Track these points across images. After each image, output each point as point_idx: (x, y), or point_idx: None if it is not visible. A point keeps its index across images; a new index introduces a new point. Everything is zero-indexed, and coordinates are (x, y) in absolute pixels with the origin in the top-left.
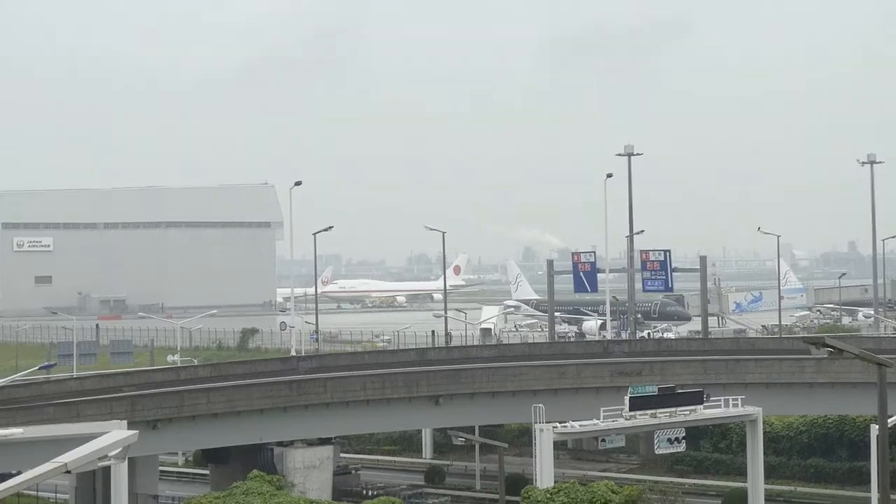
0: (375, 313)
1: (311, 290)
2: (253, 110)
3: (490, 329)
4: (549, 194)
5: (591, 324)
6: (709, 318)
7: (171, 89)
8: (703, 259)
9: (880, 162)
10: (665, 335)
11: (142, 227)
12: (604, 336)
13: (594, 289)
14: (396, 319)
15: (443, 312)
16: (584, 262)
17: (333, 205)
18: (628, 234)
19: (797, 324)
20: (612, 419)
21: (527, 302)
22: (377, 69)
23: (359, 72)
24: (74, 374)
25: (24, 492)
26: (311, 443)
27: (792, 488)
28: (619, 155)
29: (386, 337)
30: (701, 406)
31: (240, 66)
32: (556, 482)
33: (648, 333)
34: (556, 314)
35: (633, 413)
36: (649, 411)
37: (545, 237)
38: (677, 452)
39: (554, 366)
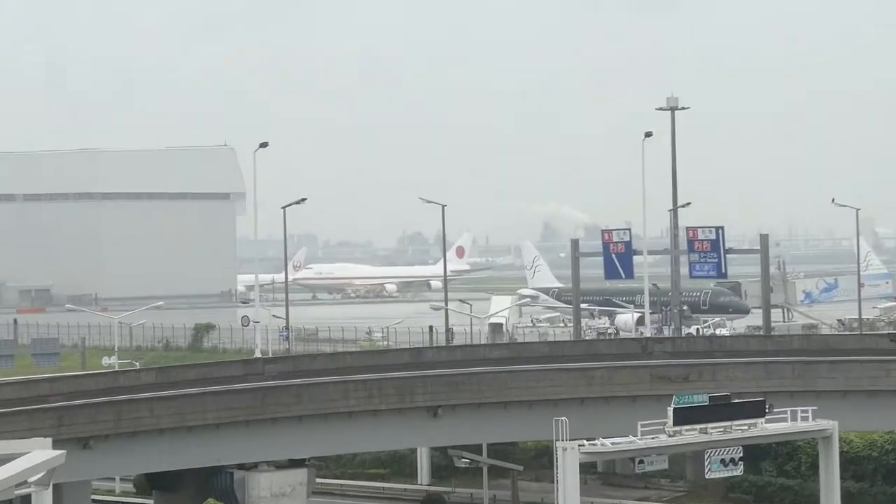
0: (360, 305)
1: (281, 277)
2: (210, 66)
3: (501, 324)
4: (573, 161)
5: (625, 317)
6: (772, 310)
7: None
8: (764, 238)
9: None
10: (717, 331)
11: (71, 198)
12: (641, 333)
13: (629, 275)
14: (385, 312)
15: (442, 304)
16: (617, 242)
17: (307, 173)
18: (671, 207)
19: (881, 317)
20: (653, 436)
21: (546, 291)
22: (350, 18)
23: (327, 21)
24: None
25: None
26: (280, 465)
27: None
28: (661, 110)
29: (378, 334)
30: (762, 419)
31: (195, 20)
32: None
33: (697, 329)
34: (583, 306)
35: (678, 428)
36: (698, 426)
37: (568, 211)
38: (733, 477)
39: (580, 369)
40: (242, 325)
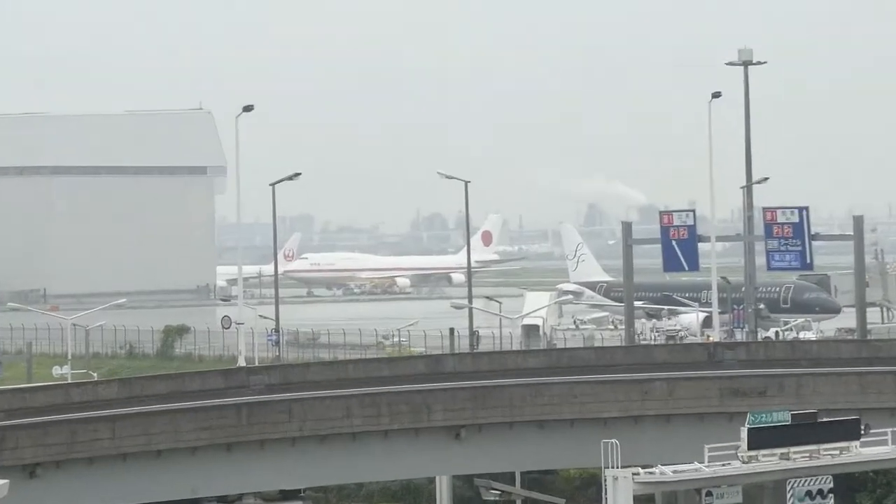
0: (365, 303)
1: (269, 269)
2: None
3: (537, 326)
4: (624, 128)
5: (689, 318)
6: (868, 309)
7: None
8: (858, 221)
9: None
10: (802, 335)
11: (12, 173)
12: (709, 337)
13: (693, 266)
14: (397, 312)
15: (466, 302)
16: (679, 227)
17: (301, 143)
18: (744, 183)
19: None
20: (723, 462)
21: (592, 286)
22: None
23: None
24: None
25: None
26: (269, 497)
27: None
28: (731, 65)
29: (397, 340)
30: (857, 442)
31: None
32: None
33: (777, 332)
34: (638, 304)
35: (753, 453)
36: (778, 450)
37: (618, 189)
38: None
39: (633, 381)
40: (223, 328)
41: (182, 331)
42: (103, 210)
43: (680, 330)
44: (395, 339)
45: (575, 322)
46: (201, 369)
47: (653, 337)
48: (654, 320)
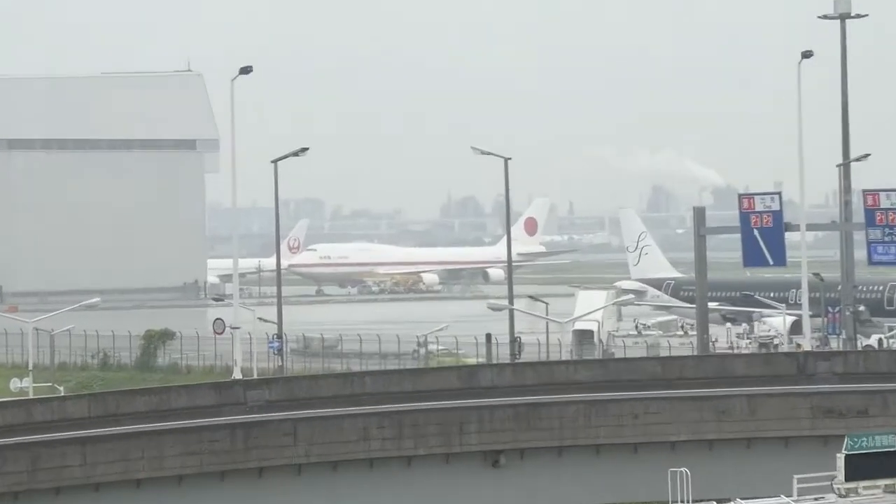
0: (385, 304)
1: (270, 263)
2: None
3: (591, 332)
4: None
5: (774, 322)
6: None
7: None
8: None
9: None
10: None
11: None
12: (798, 346)
13: (779, 260)
14: (423, 314)
15: (505, 302)
16: (762, 213)
17: (309, 112)
18: (840, 161)
19: None
20: (816, 496)
21: (657, 283)
22: None
23: None
24: None
25: None
26: None
27: None
28: (825, 18)
29: (438, 347)
30: None
31: None
32: None
33: (880, 340)
34: (712, 305)
35: (852, 484)
36: (883, 481)
37: (690, 167)
38: None
39: (707, 398)
40: (215, 333)
41: (166, 336)
42: (71, 192)
43: (774, 336)
44: (436, 347)
45: (637, 327)
46: (189, 382)
47: (740, 345)
48: (744, 324)
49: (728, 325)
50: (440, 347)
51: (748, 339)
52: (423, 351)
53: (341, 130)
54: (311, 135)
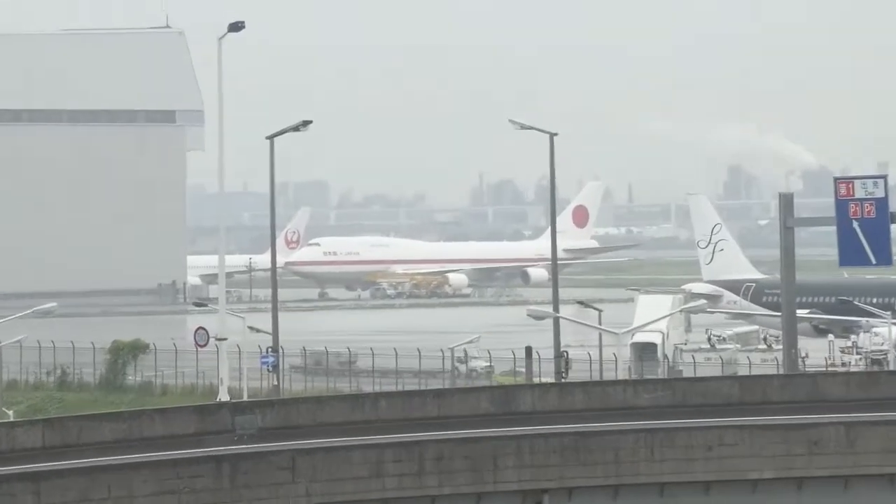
0: (404, 310)
1: (264, 261)
2: None
3: (654, 345)
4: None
5: (881, 332)
6: None
7: None
8: None
9: None
10: None
11: None
12: None
13: (884, 259)
14: (450, 323)
15: (550, 309)
16: (864, 201)
17: (313, 78)
18: None
19: None
20: None
21: (735, 286)
22: None
23: None
24: None
25: None
26: None
27: None
28: None
29: (481, 362)
30: None
31: None
32: None
33: None
34: (802, 313)
35: None
36: None
37: (775, 144)
38: None
39: (795, 427)
40: (197, 345)
41: (137, 349)
42: (24, 174)
43: (888, 351)
44: (481, 365)
45: (710, 339)
46: (165, 405)
47: (846, 361)
48: (853, 337)
49: (830, 336)
50: (486, 364)
51: (857, 353)
52: (463, 368)
53: (350, 102)
54: (314, 107)
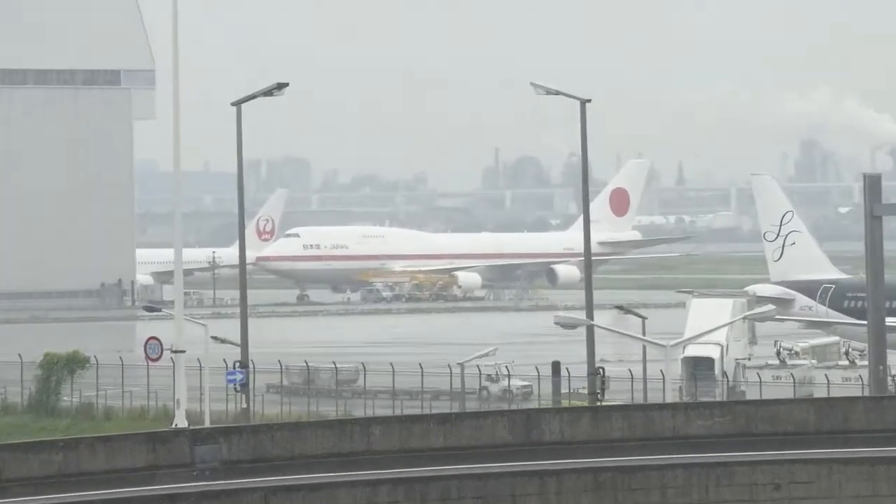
0: (403, 316)
1: (231, 255)
2: None
3: (712, 359)
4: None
5: None
6: None
7: None
8: None
9: None
10: None
11: None
12: None
13: None
14: (459, 332)
15: (581, 317)
16: None
17: (290, 35)
18: None
19: None
20: None
21: (809, 288)
22: None
23: None
24: None
25: None
26: None
27: None
28: None
29: (521, 383)
30: None
31: None
32: None
33: None
34: (892, 322)
35: None
36: None
37: (857, 113)
38: None
39: (883, 461)
40: (148, 359)
41: (75, 363)
42: None
43: None
44: (511, 385)
45: (779, 353)
46: (109, 433)
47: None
48: None
49: None
50: (523, 384)
51: None
52: (494, 389)
53: (337, 62)
54: (291, 69)
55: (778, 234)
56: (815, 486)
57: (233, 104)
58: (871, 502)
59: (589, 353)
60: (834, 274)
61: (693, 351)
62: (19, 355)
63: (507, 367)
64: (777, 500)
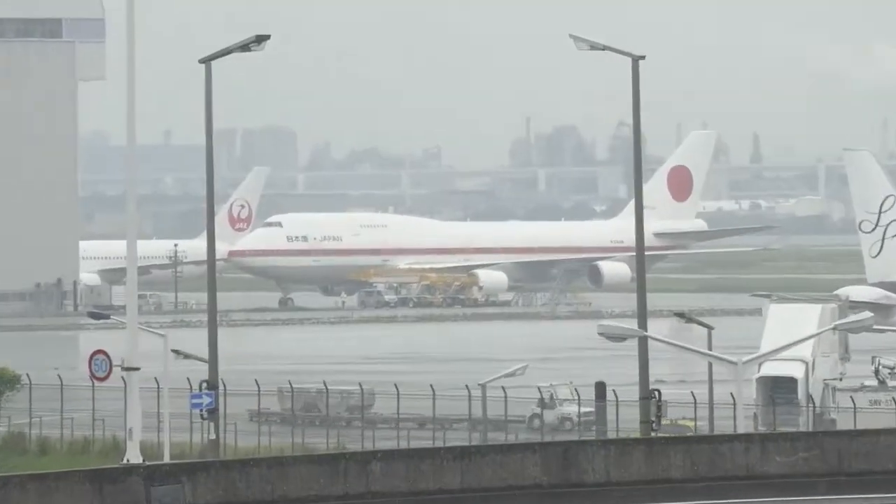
0: (411, 325)
1: (198, 249)
2: None
3: (794, 379)
4: None
5: None
6: None
7: None
8: None
9: None
10: None
11: None
12: None
13: None
14: (482, 344)
15: (632, 327)
16: None
17: None
18: None
19: None
20: None
21: None
22: None
23: None
24: None
25: None
26: None
27: None
28: None
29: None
30: None
31: None
32: None
33: None
34: None
35: None
36: None
37: None
38: None
39: None
40: (93, 378)
41: (3, 383)
42: None
43: None
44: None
45: (878, 371)
46: (45, 470)
47: None
48: None
49: None
50: (584, 411)
51: None
52: (550, 418)
53: (328, 16)
54: (273, 21)
55: (877, 224)
56: None
57: (201, 61)
58: None
59: (641, 371)
60: None
61: (771, 369)
62: None
63: (569, 387)
64: None
